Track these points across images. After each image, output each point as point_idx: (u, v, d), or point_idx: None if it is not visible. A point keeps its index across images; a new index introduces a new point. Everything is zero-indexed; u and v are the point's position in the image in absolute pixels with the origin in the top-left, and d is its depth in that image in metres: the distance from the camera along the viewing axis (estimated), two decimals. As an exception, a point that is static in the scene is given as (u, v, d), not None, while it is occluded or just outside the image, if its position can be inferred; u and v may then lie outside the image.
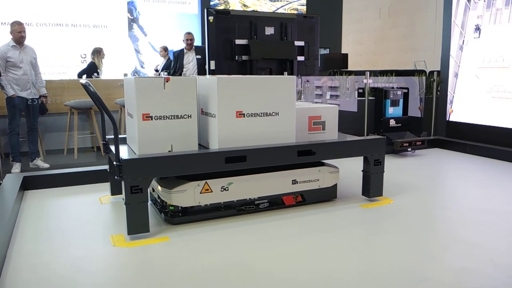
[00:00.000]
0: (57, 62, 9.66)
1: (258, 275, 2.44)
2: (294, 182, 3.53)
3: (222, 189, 3.27)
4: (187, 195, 3.15)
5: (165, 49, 9.00)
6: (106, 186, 4.05)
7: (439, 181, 4.79)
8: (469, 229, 3.17)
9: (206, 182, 3.20)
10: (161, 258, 2.73)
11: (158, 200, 3.38)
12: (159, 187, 3.20)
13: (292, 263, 2.59)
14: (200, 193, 3.20)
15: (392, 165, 5.21)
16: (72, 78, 8.22)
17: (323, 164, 3.67)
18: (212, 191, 3.23)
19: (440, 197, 4.09)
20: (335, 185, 3.76)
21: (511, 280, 2.37)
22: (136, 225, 2.95)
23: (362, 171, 3.77)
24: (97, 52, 7.56)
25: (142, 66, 10.71)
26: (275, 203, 3.54)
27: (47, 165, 5.68)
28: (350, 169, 4.33)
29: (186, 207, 3.21)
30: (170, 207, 3.20)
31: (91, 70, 7.46)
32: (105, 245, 2.91)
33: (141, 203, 2.92)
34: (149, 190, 3.55)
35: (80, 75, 7.51)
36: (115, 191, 3.84)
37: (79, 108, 6.47)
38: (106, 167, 4.05)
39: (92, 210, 3.67)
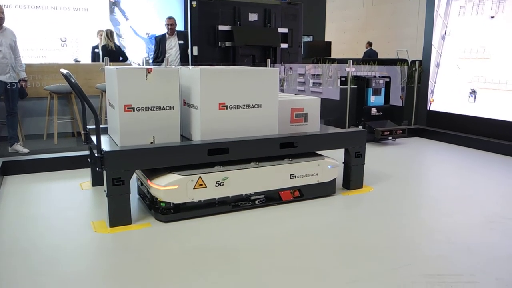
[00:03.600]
0: (37, 46, 9.45)
1: (239, 256, 2.47)
2: (292, 176, 3.41)
3: (217, 184, 3.13)
4: (180, 190, 2.99)
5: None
6: (87, 172, 4.03)
7: (419, 169, 4.88)
8: (447, 216, 3.26)
9: (200, 177, 3.05)
10: (143, 245, 2.74)
11: (148, 196, 3.23)
12: (149, 182, 3.03)
13: (268, 248, 2.63)
14: (194, 188, 3.04)
15: (373, 154, 5.28)
16: (52, 62, 8.06)
17: (322, 158, 3.56)
18: (206, 186, 3.08)
19: (419, 185, 4.18)
20: (334, 180, 3.63)
21: (486, 267, 2.45)
22: (118, 217, 2.95)
23: (343, 163, 3.82)
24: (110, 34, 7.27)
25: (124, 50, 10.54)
26: (272, 199, 3.41)
27: (26, 150, 5.59)
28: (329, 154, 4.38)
29: (178, 203, 3.06)
30: (161, 204, 3.03)
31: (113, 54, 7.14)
32: (86, 231, 2.92)
33: (123, 195, 2.92)
34: (137, 183, 3.50)
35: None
36: (96, 181, 3.82)
37: (59, 92, 6.35)
38: (87, 152, 4.02)
39: (72, 196, 3.66)
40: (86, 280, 2.29)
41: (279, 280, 2.31)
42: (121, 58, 7.31)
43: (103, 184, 3.02)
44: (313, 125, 3.77)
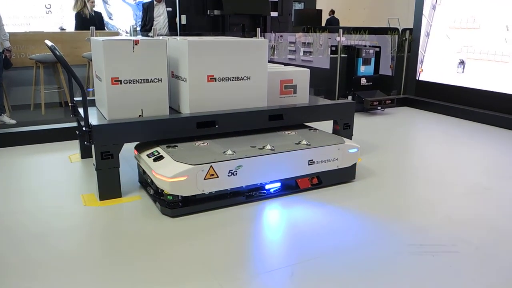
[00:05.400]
0: (21, 13, 9.19)
1: (228, 229, 2.52)
2: (311, 162, 3.13)
3: (230, 174, 2.81)
4: (189, 182, 2.68)
5: None
6: (75, 144, 4.02)
7: (406, 140, 4.94)
8: (432, 187, 3.34)
9: (211, 166, 2.74)
10: (133, 218, 2.78)
11: (152, 186, 2.97)
12: (154, 173, 2.73)
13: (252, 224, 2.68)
14: (204, 179, 2.73)
15: (362, 124, 5.32)
16: (36, 30, 7.87)
17: (342, 141, 3.29)
18: (218, 177, 2.77)
19: (407, 156, 4.23)
20: (354, 165, 3.38)
21: (467, 235, 2.54)
22: (108, 191, 2.97)
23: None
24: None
25: (110, 18, 10.31)
26: (289, 187, 3.15)
27: (13, 121, 5.54)
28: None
29: (188, 196, 2.78)
30: (169, 197, 2.75)
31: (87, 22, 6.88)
32: (76, 205, 2.94)
33: (112, 168, 2.93)
34: (139, 170, 3.28)
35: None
36: (85, 154, 3.82)
37: (45, 62, 6.24)
38: (75, 124, 4.00)
39: (62, 169, 3.67)
40: (77, 255, 2.33)
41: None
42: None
43: (92, 157, 3.02)
44: (302, 97, 3.77)
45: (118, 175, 2.98)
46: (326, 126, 3.79)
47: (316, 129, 3.55)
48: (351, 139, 3.85)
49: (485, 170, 3.76)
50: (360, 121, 5.50)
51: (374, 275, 2.14)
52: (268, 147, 3.01)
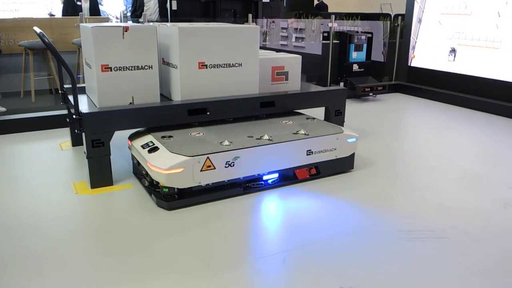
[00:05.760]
0: (9, -1, 9.05)
1: (224, 221, 2.54)
2: (309, 152, 3.08)
3: (227, 165, 2.76)
4: (185, 174, 2.62)
5: None
6: (66, 131, 4.00)
7: (398, 126, 4.96)
8: (423, 174, 3.37)
9: (208, 158, 2.67)
10: (124, 206, 2.78)
11: (147, 178, 2.92)
12: (149, 165, 2.67)
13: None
14: (201, 171, 2.67)
15: (354, 110, 5.33)
16: (25, 16, 7.75)
17: (341, 131, 3.24)
18: (215, 168, 2.71)
19: (398, 142, 4.26)
20: (353, 155, 3.33)
21: (457, 222, 2.57)
22: (99, 179, 2.96)
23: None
24: None
25: (100, 3, 10.16)
26: (287, 178, 3.10)
27: (3, 109, 5.49)
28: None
29: (184, 188, 2.73)
30: (164, 189, 2.69)
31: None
32: (68, 193, 2.93)
33: (103, 156, 2.91)
34: (133, 162, 3.20)
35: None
36: (76, 141, 3.80)
37: (34, 48, 6.16)
38: (66, 111, 3.97)
39: (53, 156, 3.64)
40: (69, 242, 2.33)
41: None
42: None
43: (83, 144, 3.01)
44: (294, 84, 3.77)
45: (109, 163, 2.97)
46: (318, 112, 3.79)
47: (313, 118, 3.50)
48: (342, 125, 3.86)
49: (476, 156, 3.79)
50: (352, 108, 5.51)
51: (363, 261, 2.17)
52: (266, 137, 2.95)
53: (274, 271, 2.09)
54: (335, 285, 1.96)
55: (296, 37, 8.23)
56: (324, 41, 6.80)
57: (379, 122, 4.93)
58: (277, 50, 4.91)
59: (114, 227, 2.50)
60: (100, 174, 2.96)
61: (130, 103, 3.07)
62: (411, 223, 2.56)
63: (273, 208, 2.83)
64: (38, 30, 2.85)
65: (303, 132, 3.09)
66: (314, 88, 3.90)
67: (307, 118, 3.50)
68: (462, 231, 2.47)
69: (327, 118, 3.83)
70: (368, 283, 1.99)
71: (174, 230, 2.46)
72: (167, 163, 2.59)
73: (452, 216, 2.65)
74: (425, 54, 6.52)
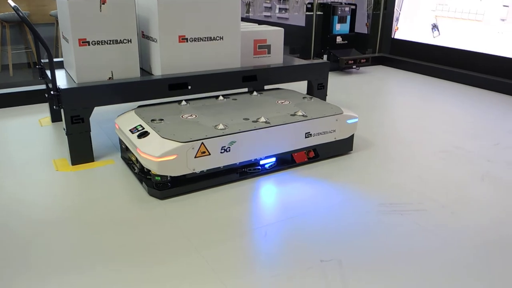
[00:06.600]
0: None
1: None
2: (308, 135, 2.96)
3: (223, 150, 2.62)
4: (179, 161, 2.47)
5: None
6: (46, 107, 3.92)
7: (380, 99, 4.98)
8: (402, 146, 3.41)
9: (202, 143, 2.53)
10: (107, 182, 2.76)
11: (137, 165, 2.77)
12: (140, 151, 2.51)
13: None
14: (195, 157, 2.52)
15: (336, 83, 5.34)
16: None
17: (340, 112, 3.10)
18: (210, 154, 2.57)
19: (380, 115, 4.28)
20: (352, 136, 3.24)
21: (434, 194, 2.63)
22: (80, 155, 2.93)
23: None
24: None
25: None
26: (284, 162, 2.99)
27: (-20, 84, 5.35)
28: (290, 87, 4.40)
29: (177, 176, 2.57)
30: (156, 177, 2.54)
31: None
32: (48, 170, 2.90)
33: (83, 132, 2.88)
34: (121, 146, 3.06)
35: None
36: (55, 117, 3.74)
37: (11, 21, 5.99)
38: (45, 86, 3.89)
39: (32, 133, 3.59)
40: (50, 220, 2.32)
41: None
42: None
43: (62, 120, 2.96)
44: (277, 57, 3.74)
45: (89, 139, 2.93)
46: (301, 86, 3.79)
47: (311, 97, 3.38)
48: (325, 99, 3.87)
49: (456, 129, 3.84)
50: (335, 81, 5.51)
51: (343, 234, 2.21)
52: (262, 119, 2.80)
53: (256, 244, 2.12)
54: (315, 259, 2.00)
55: (279, 9, 8.11)
56: (307, 13, 6.72)
57: (360, 95, 4.94)
58: (261, 22, 4.84)
59: (97, 204, 2.49)
60: (81, 151, 2.93)
61: (110, 78, 3.03)
62: (390, 195, 2.61)
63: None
64: (12, 3, 2.75)
65: (301, 114, 2.95)
66: (297, 61, 3.87)
67: (304, 97, 3.37)
68: (439, 203, 2.52)
69: (310, 91, 3.83)
70: (348, 256, 2.03)
71: (157, 203, 2.47)
72: (159, 150, 2.42)
73: (429, 188, 2.71)
74: (409, 27, 6.50)
